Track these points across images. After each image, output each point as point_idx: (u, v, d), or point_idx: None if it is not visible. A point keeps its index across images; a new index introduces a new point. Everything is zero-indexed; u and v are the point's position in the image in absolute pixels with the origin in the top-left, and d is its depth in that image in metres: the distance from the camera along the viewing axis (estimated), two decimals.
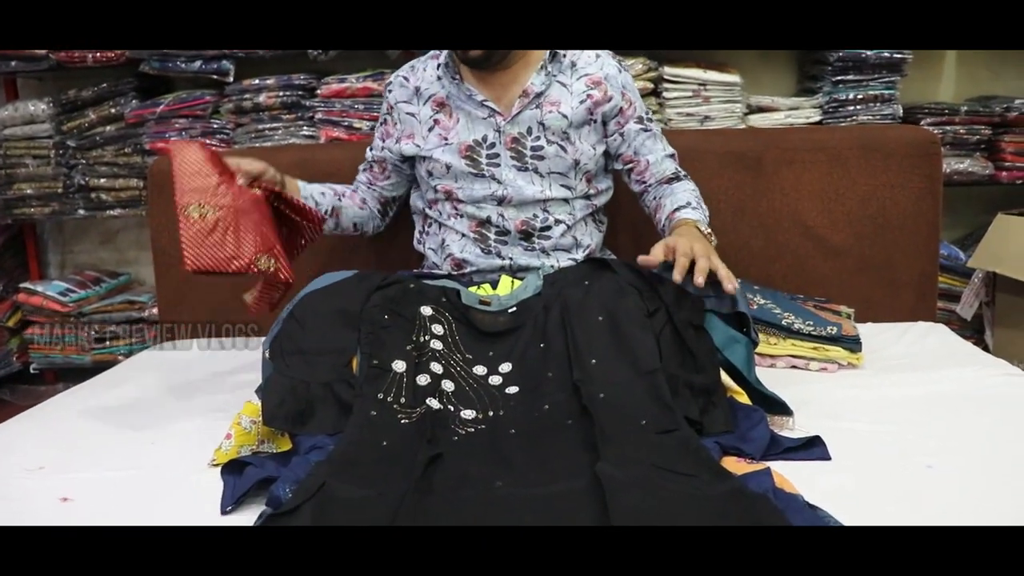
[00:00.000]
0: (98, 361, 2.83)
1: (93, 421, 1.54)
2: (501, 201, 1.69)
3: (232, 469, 1.20)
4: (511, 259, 1.70)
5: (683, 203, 1.66)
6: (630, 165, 1.77)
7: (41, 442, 1.42)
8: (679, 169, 1.78)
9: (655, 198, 1.75)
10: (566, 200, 1.72)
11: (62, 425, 1.52)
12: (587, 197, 1.75)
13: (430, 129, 1.74)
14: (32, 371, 2.99)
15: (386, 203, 1.88)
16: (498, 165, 1.70)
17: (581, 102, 1.70)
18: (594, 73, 1.72)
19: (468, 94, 1.70)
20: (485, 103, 1.69)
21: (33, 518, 1.13)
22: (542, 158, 1.69)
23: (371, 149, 1.86)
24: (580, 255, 1.74)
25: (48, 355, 2.93)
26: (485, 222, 1.70)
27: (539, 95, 1.69)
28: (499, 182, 1.70)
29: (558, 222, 1.71)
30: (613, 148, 1.76)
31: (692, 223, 1.58)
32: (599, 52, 1.76)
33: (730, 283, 1.40)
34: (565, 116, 1.69)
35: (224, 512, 1.13)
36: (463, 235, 1.72)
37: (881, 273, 2.04)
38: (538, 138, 1.69)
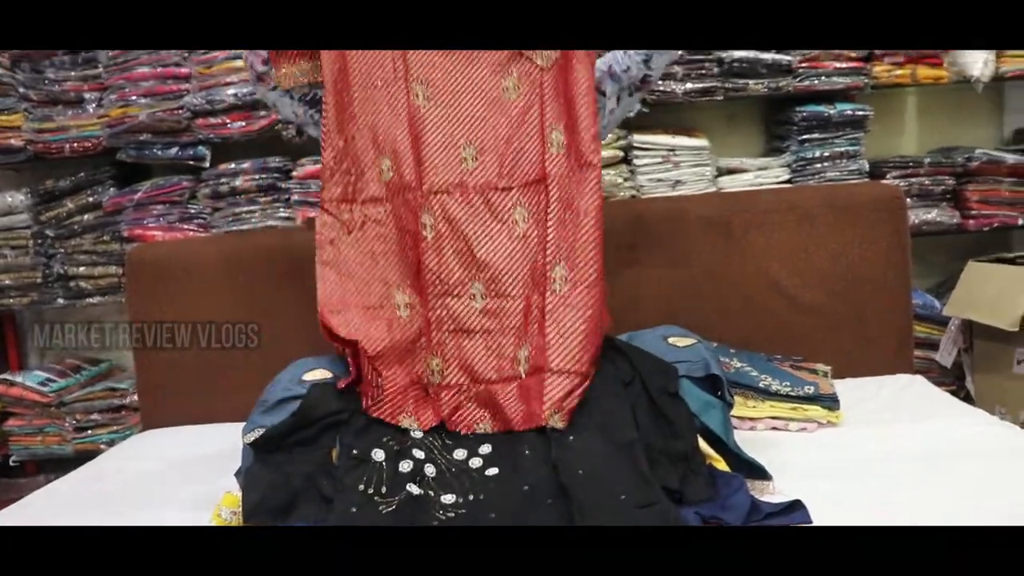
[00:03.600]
0: (80, 451, 2.80)
1: (73, 515, 1.52)
2: None
3: None
4: None
5: None
6: None
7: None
8: None
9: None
10: None
11: (42, 520, 1.50)
12: None
13: None
14: (12, 463, 2.94)
15: None
16: None
17: None
18: None
19: None
20: None
21: None
22: None
23: None
24: None
25: (29, 446, 2.90)
26: None
27: None
28: None
29: None
30: None
31: None
32: None
33: None
34: None
35: None
36: None
37: (856, 328, 2.05)
38: None
